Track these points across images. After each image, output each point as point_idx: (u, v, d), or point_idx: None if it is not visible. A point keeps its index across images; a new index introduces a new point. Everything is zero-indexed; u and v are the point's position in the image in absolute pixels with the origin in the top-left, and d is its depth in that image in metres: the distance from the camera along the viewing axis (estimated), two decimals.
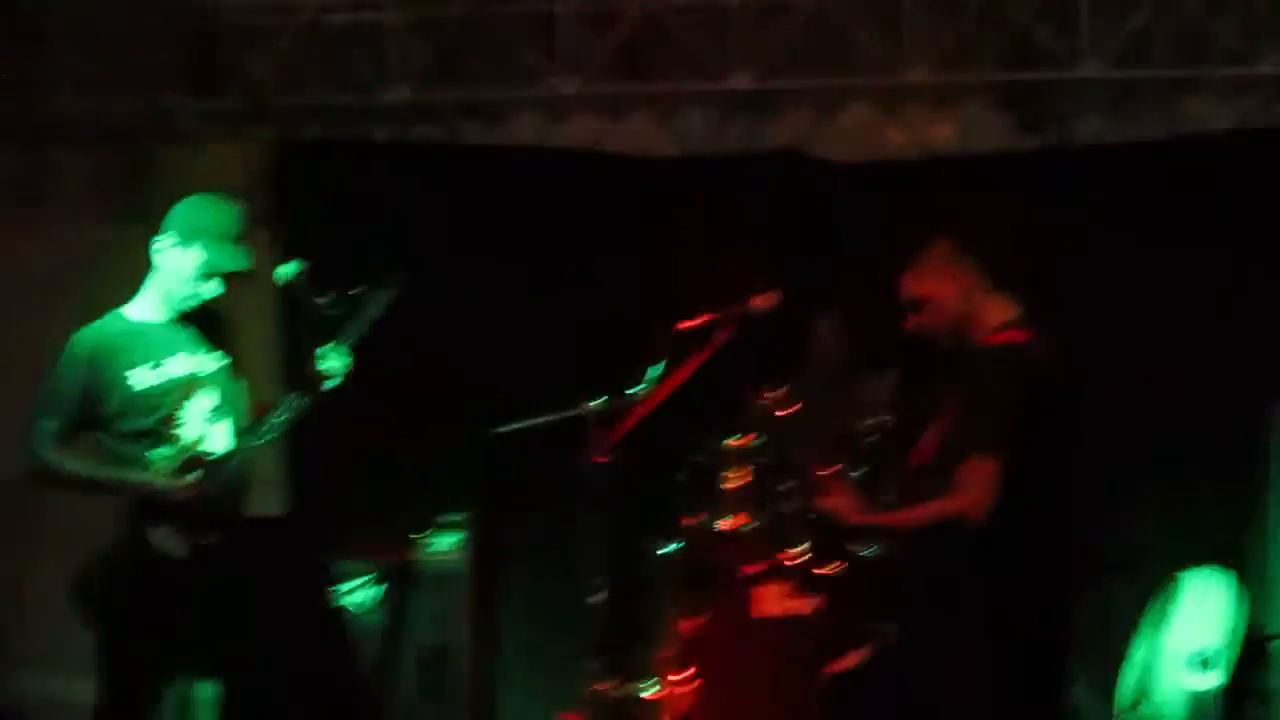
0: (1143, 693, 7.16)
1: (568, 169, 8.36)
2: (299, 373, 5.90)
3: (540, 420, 7.31)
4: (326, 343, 5.87)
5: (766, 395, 7.24)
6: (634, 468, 7.12)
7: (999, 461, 5.29)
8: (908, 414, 6.63)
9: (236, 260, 5.87)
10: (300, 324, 5.92)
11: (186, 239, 5.82)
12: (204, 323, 5.95)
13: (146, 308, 5.92)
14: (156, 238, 5.86)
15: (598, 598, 7.23)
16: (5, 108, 8.26)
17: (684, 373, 6.95)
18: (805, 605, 7.01)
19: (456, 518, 7.35)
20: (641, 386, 7.00)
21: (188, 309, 5.90)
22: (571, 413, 7.25)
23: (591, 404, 7.18)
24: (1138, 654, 7.28)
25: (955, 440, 5.44)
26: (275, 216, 7.93)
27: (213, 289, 5.88)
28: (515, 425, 7.36)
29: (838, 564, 6.91)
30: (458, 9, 8.22)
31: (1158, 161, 8.03)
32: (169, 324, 5.90)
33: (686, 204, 8.14)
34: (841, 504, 5.72)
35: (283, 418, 5.87)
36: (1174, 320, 7.84)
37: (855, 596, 6.84)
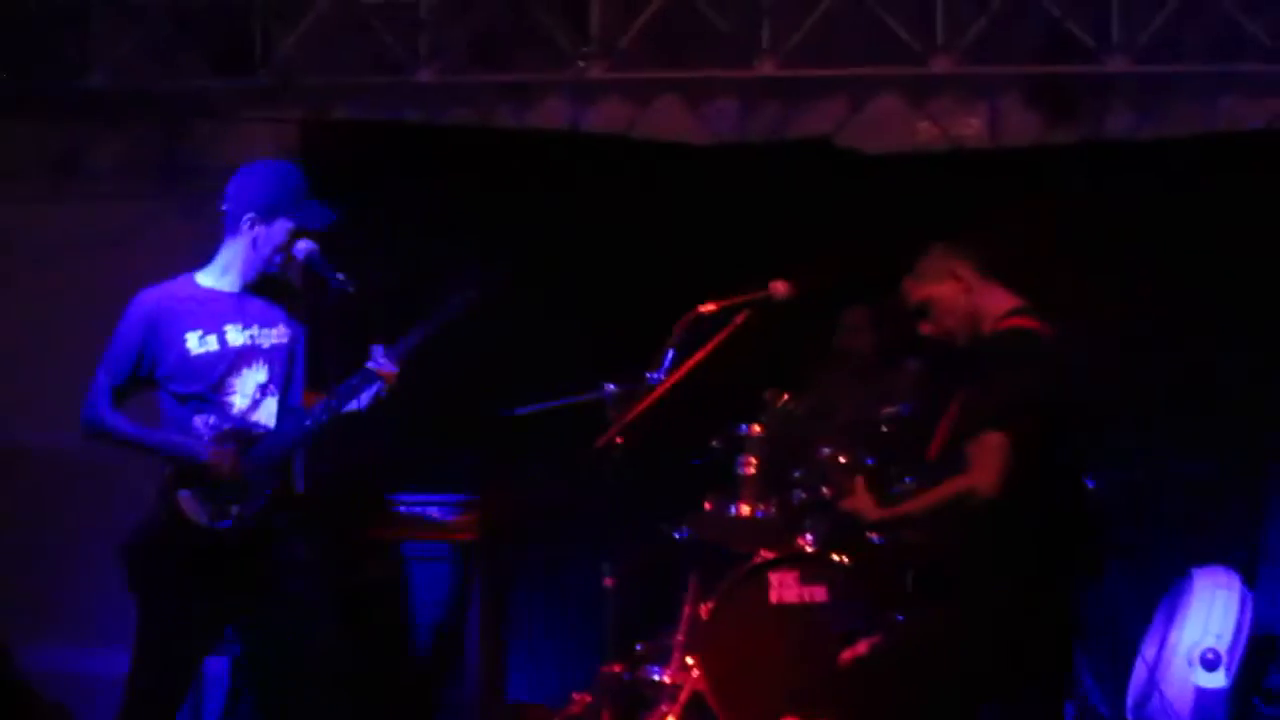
0: (1150, 690, 7.15)
1: (596, 154, 8.34)
2: (329, 367, 5.89)
3: (558, 403, 7.36)
4: (381, 340, 5.86)
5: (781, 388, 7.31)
6: (649, 451, 7.17)
7: (1008, 436, 5.28)
8: (929, 405, 6.64)
9: (321, 217, 5.84)
10: (321, 302, 5.89)
11: (270, 208, 5.78)
12: (277, 297, 5.92)
13: (217, 275, 5.88)
14: (230, 210, 5.81)
15: (610, 580, 7.27)
16: (44, 85, 8.27)
17: (700, 358, 6.98)
18: (820, 592, 7.05)
19: (471, 497, 7.37)
20: (658, 371, 7.03)
21: (261, 279, 5.87)
22: (589, 396, 7.30)
23: (609, 388, 7.23)
24: (1147, 650, 7.27)
25: (964, 423, 5.44)
26: None
27: (290, 257, 5.84)
28: (533, 407, 7.40)
29: (850, 551, 6.95)
30: None
31: (1188, 159, 7.96)
32: (238, 294, 5.86)
33: (713, 191, 8.15)
34: (862, 503, 5.71)
35: (324, 417, 5.83)
36: (1194, 318, 7.84)
37: (867, 583, 6.87)
